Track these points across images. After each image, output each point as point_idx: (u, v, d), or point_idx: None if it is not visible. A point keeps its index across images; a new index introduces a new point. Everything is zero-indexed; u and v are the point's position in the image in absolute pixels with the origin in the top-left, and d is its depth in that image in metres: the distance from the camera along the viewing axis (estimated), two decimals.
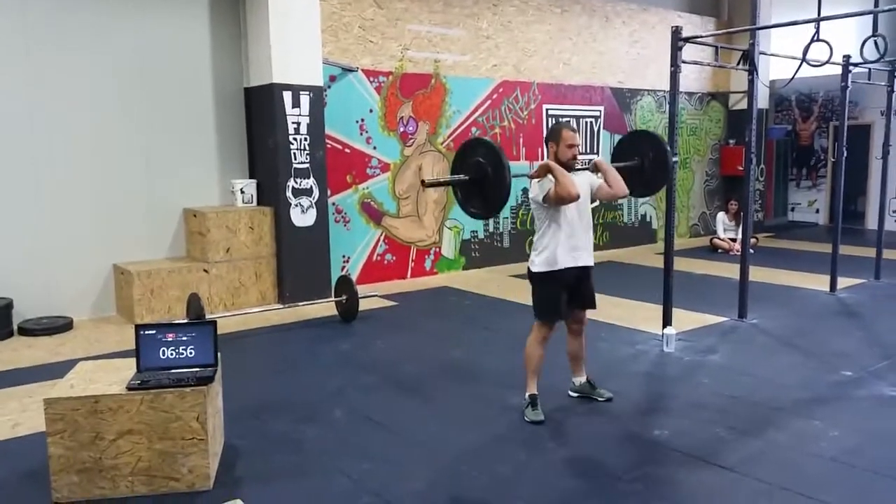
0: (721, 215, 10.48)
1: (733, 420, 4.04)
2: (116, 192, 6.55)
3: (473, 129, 8.74)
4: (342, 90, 7.61)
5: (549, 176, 3.92)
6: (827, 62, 5.99)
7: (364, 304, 6.47)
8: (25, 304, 6.11)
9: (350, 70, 7.65)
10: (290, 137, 6.89)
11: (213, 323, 3.51)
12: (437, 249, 8.62)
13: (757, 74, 6.04)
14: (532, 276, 4.12)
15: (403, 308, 6.97)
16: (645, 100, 10.70)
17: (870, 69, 7.65)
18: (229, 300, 6.75)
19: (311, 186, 7.05)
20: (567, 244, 4.01)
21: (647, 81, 10.67)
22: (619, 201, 10.14)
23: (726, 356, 5.29)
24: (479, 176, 3.79)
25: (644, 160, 4.61)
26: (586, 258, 4.12)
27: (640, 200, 10.62)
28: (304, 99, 6.93)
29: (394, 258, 8.23)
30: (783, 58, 6.74)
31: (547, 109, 9.47)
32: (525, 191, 9.26)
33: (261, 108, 7.00)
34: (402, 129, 8.16)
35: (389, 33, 7.93)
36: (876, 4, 6.43)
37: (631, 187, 4.38)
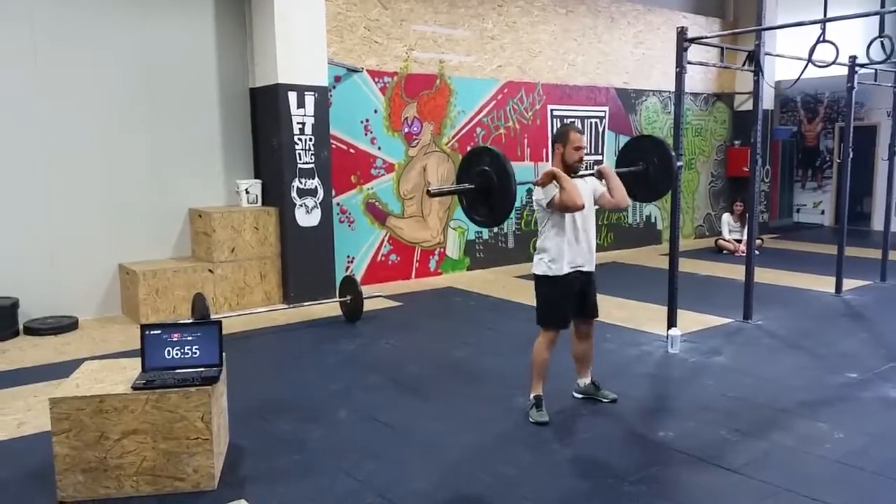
0: (726, 216, 10.45)
1: (738, 421, 4.03)
2: (122, 193, 6.57)
3: (478, 130, 8.74)
4: (347, 91, 7.62)
5: (554, 181, 3.92)
6: (833, 63, 5.97)
7: (368, 305, 6.48)
8: (31, 303, 6.13)
9: (355, 70, 7.66)
10: (295, 138, 6.90)
11: (218, 323, 3.52)
12: (442, 250, 8.62)
13: (762, 75, 6.03)
14: (536, 279, 4.13)
15: (408, 308, 6.97)
16: (650, 100, 10.69)
17: (876, 70, 7.63)
18: (234, 300, 6.76)
19: (316, 187, 7.06)
20: (569, 249, 4.01)
21: (652, 82, 10.66)
22: None
23: (731, 357, 5.28)
24: (484, 185, 3.79)
25: (649, 166, 4.58)
26: (588, 264, 4.12)
27: None
28: (309, 99, 6.94)
29: (398, 259, 8.23)
30: (789, 58, 6.72)
31: (552, 110, 9.47)
32: (530, 191, 9.26)
33: (266, 108, 7.02)
34: (406, 130, 8.16)
35: (394, 34, 7.94)
36: (882, 5, 6.42)
37: (635, 193, 4.37)
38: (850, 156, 7.40)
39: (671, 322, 5.69)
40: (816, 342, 5.67)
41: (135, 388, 3.22)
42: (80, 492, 3.18)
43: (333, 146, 7.37)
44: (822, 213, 13.36)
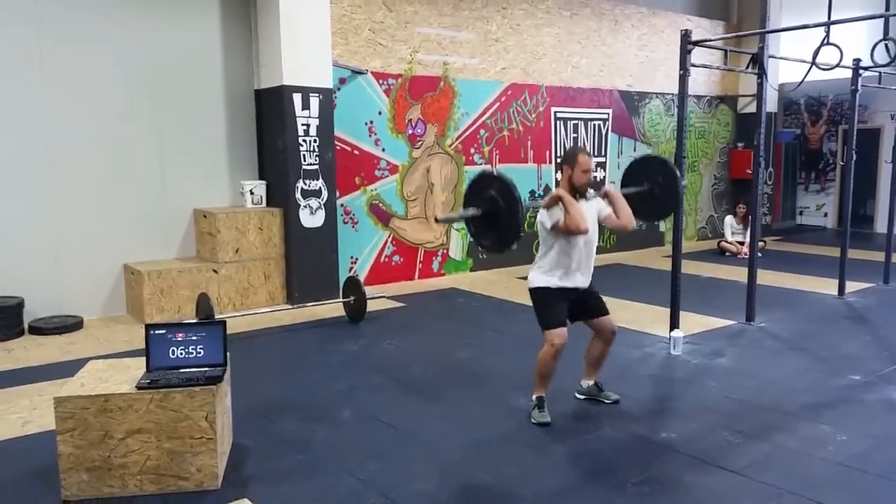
0: (729, 218, 10.45)
1: (741, 423, 4.04)
2: (127, 193, 6.59)
3: (482, 132, 8.75)
4: (352, 92, 7.64)
5: (560, 204, 3.94)
6: (837, 66, 5.96)
7: (372, 305, 6.49)
8: (36, 303, 6.15)
9: (359, 72, 7.68)
10: (300, 139, 6.92)
11: (223, 323, 3.53)
12: (445, 251, 8.63)
13: (766, 78, 6.03)
14: (531, 292, 4.15)
15: (411, 309, 6.98)
16: (653, 103, 10.69)
17: (880, 73, 7.62)
18: (238, 300, 6.78)
19: (320, 188, 7.08)
20: (568, 271, 4.04)
21: (655, 85, 10.66)
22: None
23: (734, 359, 5.29)
24: (491, 211, 3.79)
25: (654, 186, 4.59)
26: (584, 284, 4.14)
27: None
28: (314, 101, 6.96)
29: (401, 259, 8.24)
30: (793, 61, 6.72)
31: (555, 112, 9.48)
32: (532, 192, 9.27)
33: (271, 109, 7.04)
34: (410, 132, 8.18)
35: (399, 36, 7.95)
36: (887, 8, 6.42)
37: (641, 212, 4.38)
38: (854, 158, 7.40)
39: (674, 324, 5.69)
40: (819, 344, 5.67)
41: (139, 387, 3.23)
42: (85, 490, 3.19)
43: (338, 147, 7.39)
44: (825, 215, 13.35)
